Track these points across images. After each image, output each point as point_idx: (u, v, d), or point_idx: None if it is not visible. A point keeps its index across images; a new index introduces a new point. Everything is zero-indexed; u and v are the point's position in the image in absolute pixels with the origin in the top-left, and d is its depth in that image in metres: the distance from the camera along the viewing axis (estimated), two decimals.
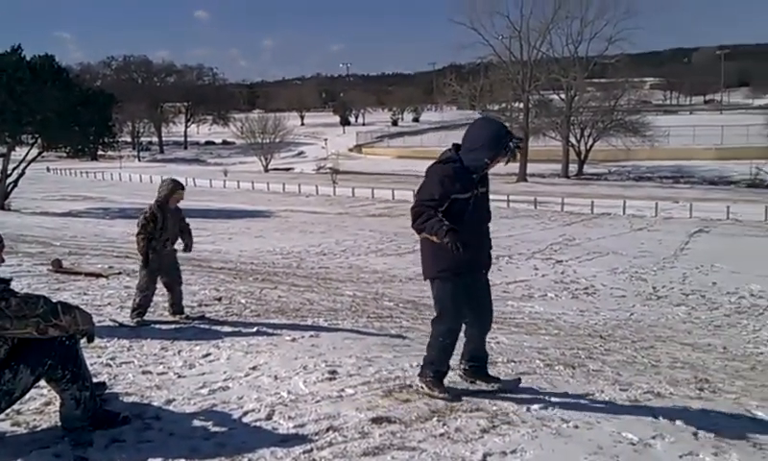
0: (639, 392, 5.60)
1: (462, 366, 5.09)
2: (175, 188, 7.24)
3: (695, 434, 4.48)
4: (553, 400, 5.07)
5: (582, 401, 5.11)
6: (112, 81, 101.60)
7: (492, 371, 5.88)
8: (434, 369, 4.81)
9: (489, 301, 4.94)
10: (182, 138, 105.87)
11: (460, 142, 4.56)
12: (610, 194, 40.44)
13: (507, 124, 47.18)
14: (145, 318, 7.14)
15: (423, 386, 4.85)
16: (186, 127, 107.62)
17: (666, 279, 16.90)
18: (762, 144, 47.14)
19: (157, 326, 7.03)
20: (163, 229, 7.12)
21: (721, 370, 7.86)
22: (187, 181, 51.61)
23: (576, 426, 4.49)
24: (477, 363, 5.06)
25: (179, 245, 7.54)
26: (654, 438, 4.34)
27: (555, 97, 59.85)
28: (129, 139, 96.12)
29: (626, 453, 4.08)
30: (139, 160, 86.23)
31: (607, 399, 5.27)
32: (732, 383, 6.77)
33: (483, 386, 5.04)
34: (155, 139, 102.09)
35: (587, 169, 55.97)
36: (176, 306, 7.42)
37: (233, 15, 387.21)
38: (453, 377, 5.11)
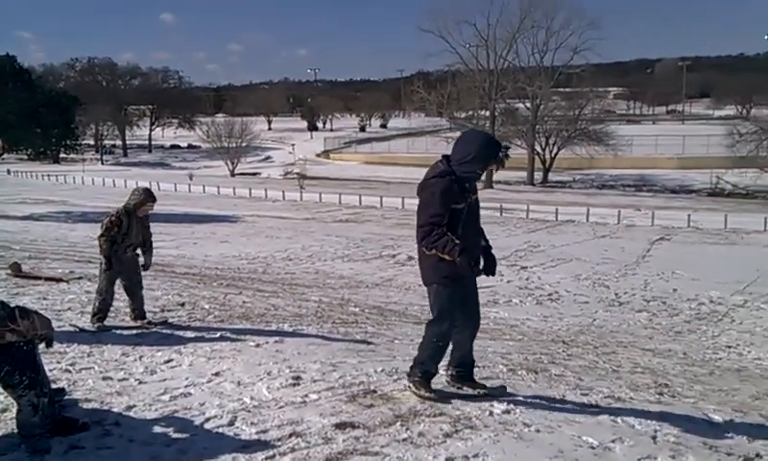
0: (600, 396, 5.68)
1: (449, 372, 5.15)
2: (146, 200, 7.13)
3: (654, 438, 4.57)
4: (515, 404, 5.12)
5: (544, 406, 5.16)
6: (76, 82, 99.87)
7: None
8: (423, 369, 4.92)
9: (478, 307, 5.10)
10: (147, 142, 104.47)
11: (449, 153, 4.68)
12: (574, 201, 40.99)
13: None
14: (106, 323, 7.04)
15: (411, 385, 4.96)
16: (151, 130, 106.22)
17: (628, 285, 17.16)
18: (723, 154, 48.10)
19: (119, 331, 6.93)
20: (127, 235, 7.03)
21: (680, 375, 8.01)
22: (152, 184, 51.06)
23: (538, 431, 4.54)
24: (464, 369, 5.13)
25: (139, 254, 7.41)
26: (614, 442, 4.42)
27: (521, 106, 60.46)
28: (92, 142, 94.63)
29: (586, 457, 4.14)
30: (102, 164, 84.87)
31: (568, 403, 5.33)
32: (690, 388, 6.90)
33: (469, 391, 5.10)
34: (118, 142, 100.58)
35: (551, 177, 56.65)
36: (137, 311, 7.31)
37: (200, 19, 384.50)
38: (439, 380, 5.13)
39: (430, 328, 4.93)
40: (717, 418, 5.29)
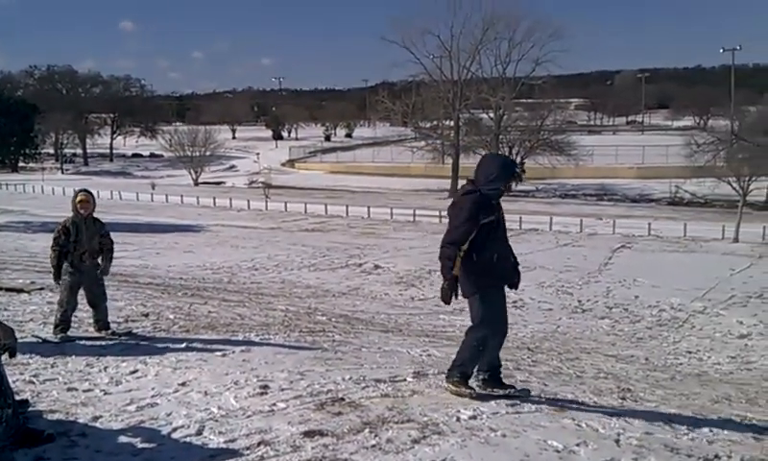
0: (564, 401, 5.77)
1: (480, 376, 5.43)
2: (75, 195, 7.08)
3: (617, 441, 4.66)
4: (482, 409, 5.18)
5: (509, 411, 5.23)
6: (35, 90, 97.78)
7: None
8: (462, 371, 5.33)
9: (507, 316, 5.46)
10: (108, 150, 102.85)
11: (472, 177, 5.33)
12: (537, 210, 41.45)
13: (438, 141, 47.83)
14: (69, 333, 6.93)
15: (451, 386, 5.34)
16: (112, 139, 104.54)
17: (591, 292, 17.43)
18: (681, 164, 49.16)
19: (82, 342, 6.83)
20: (77, 242, 6.92)
21: (643, 380, 8.17)
22: (113, 194, 50.34)
23: (504, 435, 4.61)
24: (494, 372, 5.47)
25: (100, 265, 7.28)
26: (578, 445, 4.50)
27: (484, 116, 61.05)
28: (52, 151, 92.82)
29: (551, 460, 4.22)
30: (63, 173, 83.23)
31: (533, 408, 5.41)
32: (652, 392, 7.04)
33: (500, 392, 5.39)
34: (79, 151, 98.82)
35: (515, 186, 57.01)
36: (101, 322, 7.21)
37: (160, 26, 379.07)
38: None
39: (472, 334, 5.32)
40: (679, 421, 5.42)
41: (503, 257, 5.24)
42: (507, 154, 56.65)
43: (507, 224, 5.60)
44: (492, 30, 56.12)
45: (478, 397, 5.23)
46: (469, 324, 5.62)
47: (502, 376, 5.66)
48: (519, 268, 5.54)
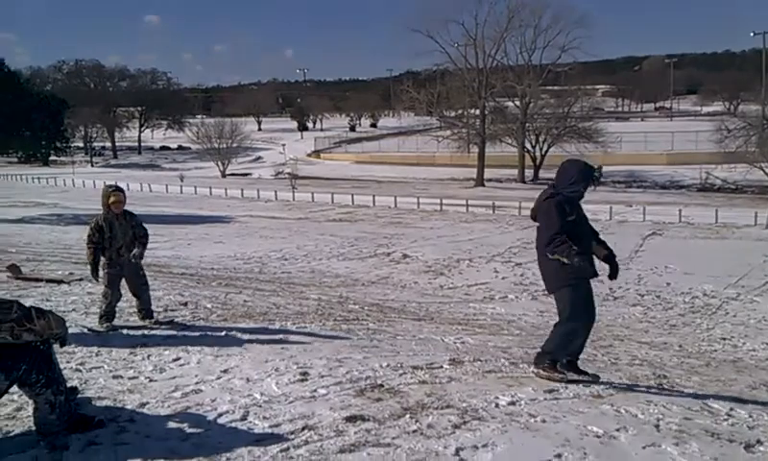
0: (602, 388, 5.79)
1: (562, 360, 5.74)
2: (106, 191, 7.16)
3: (657, 426, 4.68)
4: (520, 395, 5.23)
5: (548, 397, 5.27)
6: (64, 85, 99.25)
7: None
8: (551, 358, 5.67)
9: (594, 305, 5.81)
10: (136, 143, 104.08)
11: (553, 181, 5.84)
12: None
13: (463, 130, 47.62)
14: (114, 323, 7.11)
15: (541, 371, 5.69)
16: (140, 132, 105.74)
17: (622, 280, 17.22)
18: (711, 150, 48.41)
19: (126, 331, 7.00)
20: (112, 238, 7.04)
21: (678, 366, 8.13)
22: (142, 186, 50.98)
23: (543, 421, 4.65)
24: (573, 359, 5.78)
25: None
26: (618, 431, 4.53)
27: (510, 104, 60.59)
28: (81, 144, 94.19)
29: (592, 445, 4.25)
30: (92, 166, 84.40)
31: (571, 394, 5.44)
32: (688, 379, 7.02)
33: (574, 377, 5.66)
34: (108, 144, 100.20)
35: (542, 174, 56.71)
36: (144, 311, 7.39)
37: (185, 20, 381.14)
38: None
39: (562, 327, 5.61)
40: (717, 406, 5.41)
41: (588, 252, 5.56)
42: (534, 142, 56.43)
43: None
44: (516, 17, 55.72)
45: (569, 381, 5.54)
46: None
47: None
48: (616, 259, 5.86)
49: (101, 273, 7.15)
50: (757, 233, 26.82)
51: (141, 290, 7.36)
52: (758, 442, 4.48)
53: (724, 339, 11.27)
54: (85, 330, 6.89)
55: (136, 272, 7.33)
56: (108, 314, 7.11)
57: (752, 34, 69.16)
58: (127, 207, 7.25)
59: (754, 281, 16.72)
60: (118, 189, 7.24)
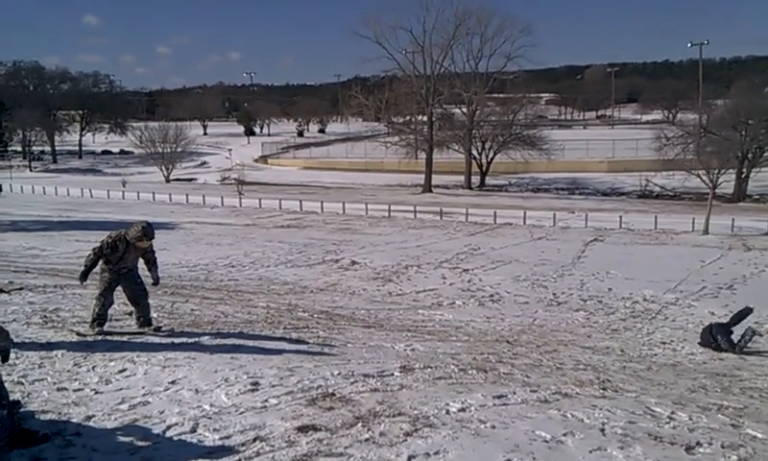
0: (548, 392, 5.91)
1: None
2: (141, 237, 7.11)
3: (602, 430, 4.82)
4: (470, 402, 5.31)
5: (497, 403, 5.36)
6: (1, 87, 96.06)
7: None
8: None
9: None
10: (77, 148, 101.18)
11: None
12: (511, 205, 41.80)
13: (411, 136, 47.80)
14: (105, 329, 7.15)
15: None
16: (81, 136, 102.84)
17: (565, 285, 17.65)
18: (651, 157, 49.80)
19: (66, 340, 6.81)
20: (122, 259, 7.13)
21: (620, 371, 8.36)
22: (83, 191, 49.64)
23: (493, 427, 4.73)
24: None
25: (142, 271, 7.54)
26: (565, 435, 4.64)
27: (457, 111, 61.20)
28: (19, 148, 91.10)
29: (540, 450, 4.35)
30: (31, 170, 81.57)
31: (519, 400, 5.55)
32: (631, 383, 7.22)
33: None
34: (47, 148, 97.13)
35: (488, 181, 57.56)
36: (143, 319, 7.41)
37: (125, 21, 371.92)
38: None
39: None
40: (659, 410, 5.59)
41: None
42: (481, 148, 57.18)
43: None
44: (463, 25, 56.29)
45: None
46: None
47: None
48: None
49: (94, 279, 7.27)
50: (695, 239, 27.73)
51: (140, 297, 7.39)
52: (698, 444, 4.66)
53: (664, 343, 11.62)
54: (74, 335, 6.90)
55: (135, 280, 7.38)
56: (100, 318, 7.11)
57: (689, 44, 71.48)
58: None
59: (691, 286, 17.29)
60: (148, 237, 7.19)
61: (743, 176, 44.00)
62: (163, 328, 7.56)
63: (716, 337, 11.12)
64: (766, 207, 40.55)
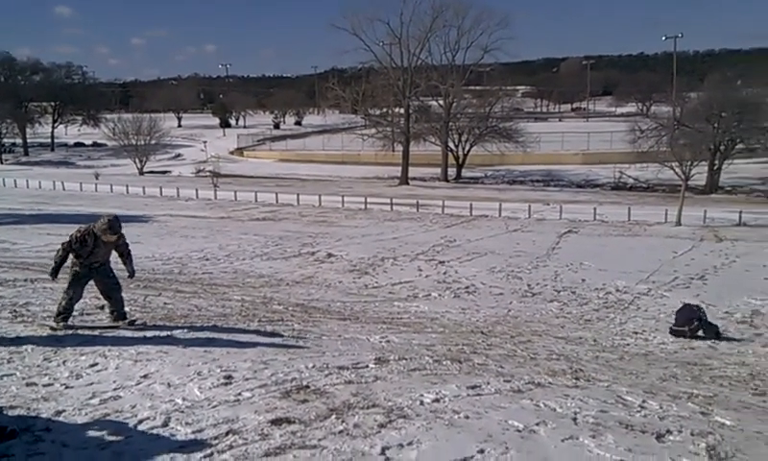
0: (522, 383, 5.96)
1: None
2: (106, 230, 6.96)
3: (574, 419, 4.86)
4: (444, 393, 5.33)
5: (470, 393, 5.39)
6: None
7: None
8: None
9: None
10: (49, 140, 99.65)
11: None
12: (487, 197, 41.98)
13: (388, 128, 47.76)
14: (71, 322, 7.07)
15: None
16: (54, 128, 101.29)
17: (540, 276, 17.78)
18: (625, 149, 50.31)
19: (36, 335, 6.72)
20: (92, 254, 7.01)
21: (593, 360, 8.45)
22: (55, 184, 48.95)
23: (467, 417, 4.75)
24: None
25: (117, 264, 7.43)
26: (538, 424, 4.68)
27: (434, 103, 61.28)
28: None
29: (513, 440, 4.38)
30: (2, 163, 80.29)
31: (493, 390, 5.58)
32: (603, 372, 7.30)
33: None
34: (19, 141, 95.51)
35: (465, 173, 57.76)
36: (116, 313, 7.32)
37: (99, 12, 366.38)
38: None
39: None
40: (630, 399, 5.66)
41: None
42: (457, 141, 57.35)
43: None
44: (440, 17, 56.25)
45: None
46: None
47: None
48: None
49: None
50: (667, 230, 28.09)
51: (113, 291, 7.29)
52: (668, 432, 4.72)
53: (636, 333, 11.76)
54: (46, 328, 6.85)
55: (107, 274, 7.27)
56: (66, 312, 7.01)
57: (663, 37, 72.37)
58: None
59: (663, 277, 17.52)
60: (114, 230, 7.01)
61: (715, 168, 44.62)
62: (137, 322, 7.46)
63: (701, 317, 11.30)
64: (738, 199, 41.21)
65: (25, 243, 20.59)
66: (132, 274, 7.53)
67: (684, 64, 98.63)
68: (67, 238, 6.96)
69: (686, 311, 11.61)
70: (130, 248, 7.48)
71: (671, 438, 4.61)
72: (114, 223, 7.02)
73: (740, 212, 30.63)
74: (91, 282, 7.21)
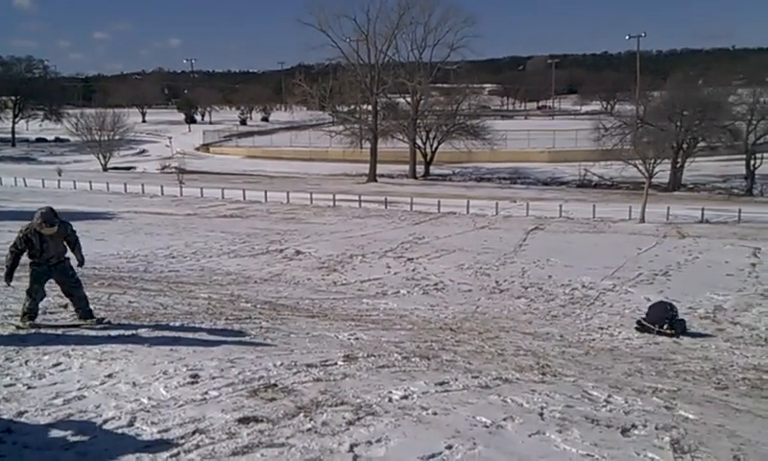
0: (489, 378, 6.00)
1: None
2: (41, 224, 6.79)
3: (541, 414, 4.91)
4: (412, 389, 5.34)
5: (439, 390, 5.41)
6: None
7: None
8: None
9: None
10: (10, 135, 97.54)
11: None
12: (454, 194, 42.14)
13: (356, 125, 47.72)
14: (37, 321, 6.96)
15: None
16: (14, 123, 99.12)
17: (508, 273, 17.91)
18: (589, 147, 50.95)
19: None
20: (43, 251, 6.86)
21: (559, 356, 8.54)
22: (17, 181, 47.91)
23: (435, 413, 4.77)
24: None
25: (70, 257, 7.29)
26: (505, 420, 4.72)
27: (402, 100, 61.38)
28: None
29: (481, 435, 4.41)
30: None
31: (461, 386, 5.61)
32: (569, 367, 7.39)
33: None
34: None
35: (432, 170, 57.94)
36: (81, 311, 7.18)
37: (59, 4, 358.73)
38: None
39: None
40: (596, 394, 5.74)
41: None
42: (425, 138, 57.51)
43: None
44: (407, 14, 56.27)
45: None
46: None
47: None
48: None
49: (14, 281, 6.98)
50: (631, 227, 28.50)
51: (73, 289, 7.16)
52: (633, 426, 4.80)
53: (601, 329, 11.91)
54: (13, 328, 6.74)
55: (66, 272, 7.14)
56: (30, 312, 6.92)
57: (627, 37, 73.58)
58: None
59: (628, 273, 17.77)
60: (49, 222, 6.80)
61: (678, 166, 45.37)
62: (105, 320, 7.35)
63: (674, 316, 11.49)
64: (700, 196, 41.97)
65: None
66: (81, 262, 7.31)
67: (648, 64, 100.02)
68: (13, 240, 6.84)
69: (660, 309, 11.79)
70: (78, 236, 7.30)
71: (636, 432, 4.68)
72: (48, 214, 6.84)
73: (702, 209, 31.21)
74: (49, 283, 7.09)
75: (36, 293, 6.91)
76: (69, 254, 7.22)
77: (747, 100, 47.03)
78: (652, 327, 11.48)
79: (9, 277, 6.85)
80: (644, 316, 11.90)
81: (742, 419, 5.74)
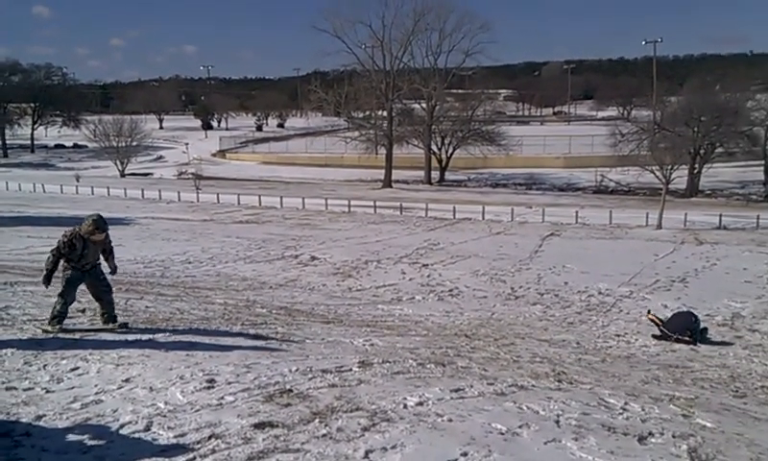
0: (505, 385, 5.98)
1: None
2: (94, 231, 6.98)
3: (557, 422, 4.88)
4: (427, 396, 5.33)
5: (454, 396, 5.39)
6: None
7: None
8: None
9: None
10: (29, 141, 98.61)
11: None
12: (470, 200, 42.10)
13: (371, 131, 47.81)
14: (64, 326, 7.00)
15: None
16: (33, 129, 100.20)
17: (523, 279, 17.86)
18: (606, 153, 50.75)
19: (17, 339, 6.64)
20: (83, 256, 7.01)
21: (576, 363, 8.49)
22: (35, 186, 48.44)
23: (450, 420, 4.76)
24: None
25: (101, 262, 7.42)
26: (520, 427, 4.70)
27: (417, 106, 61.47)
28: None
29: (496, 443, 4.39)
30: None
31: (476, 393, 5.59)
32: (586, 375, 7.35)
33: None
34: None
35: (448, 176, 57.92)
36: (107, 316, 7.30)
37: (78, 12, 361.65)
38: None
39: None
40: (613, 401, 5.70)
41: None
42: (440, 144, 57.50)
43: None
44: (422, 21, 56.40)
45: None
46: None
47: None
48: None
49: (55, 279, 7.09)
50: (648, 234, 28.31)
51: (104, 294, 7.29)
52: (651, 434, 4.76)
53: (618, 336, 11.84)
54: (40, 332, 6.81)
55: (98, 276, 7.29)
56: (60, 316, 6.98)
57: (644, 42, 73.09)
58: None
59: (645, 279, 17.66)
60: (101, 229, 7.04)
61: (695, 172, 45.03)
62: (129, 325, 7.43)
63: (696, 328, 11.40)
64: (717, 202, 41.62)
65: (4, 246, 20.35)
66: (113, 270, 7.55)
67: (664, 69, 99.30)
68: (56, 244, 6.95)
69: (682, 319, 11.68)
70: (113, 245, 7.52)
71: (653, 440, 4.64)
72: (100, 222, 7.04)
73: (720, 215, 30.95)
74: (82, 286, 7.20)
75: (68, 297, 7.02)
76: (100, 259, 7.35)
77: (765, 105, 46.67)
78: (670, 334, 11.39)
79: (48, 279, 6.97)
80: (664, 323, 11.78)
81: (761, 427, 5.68)
